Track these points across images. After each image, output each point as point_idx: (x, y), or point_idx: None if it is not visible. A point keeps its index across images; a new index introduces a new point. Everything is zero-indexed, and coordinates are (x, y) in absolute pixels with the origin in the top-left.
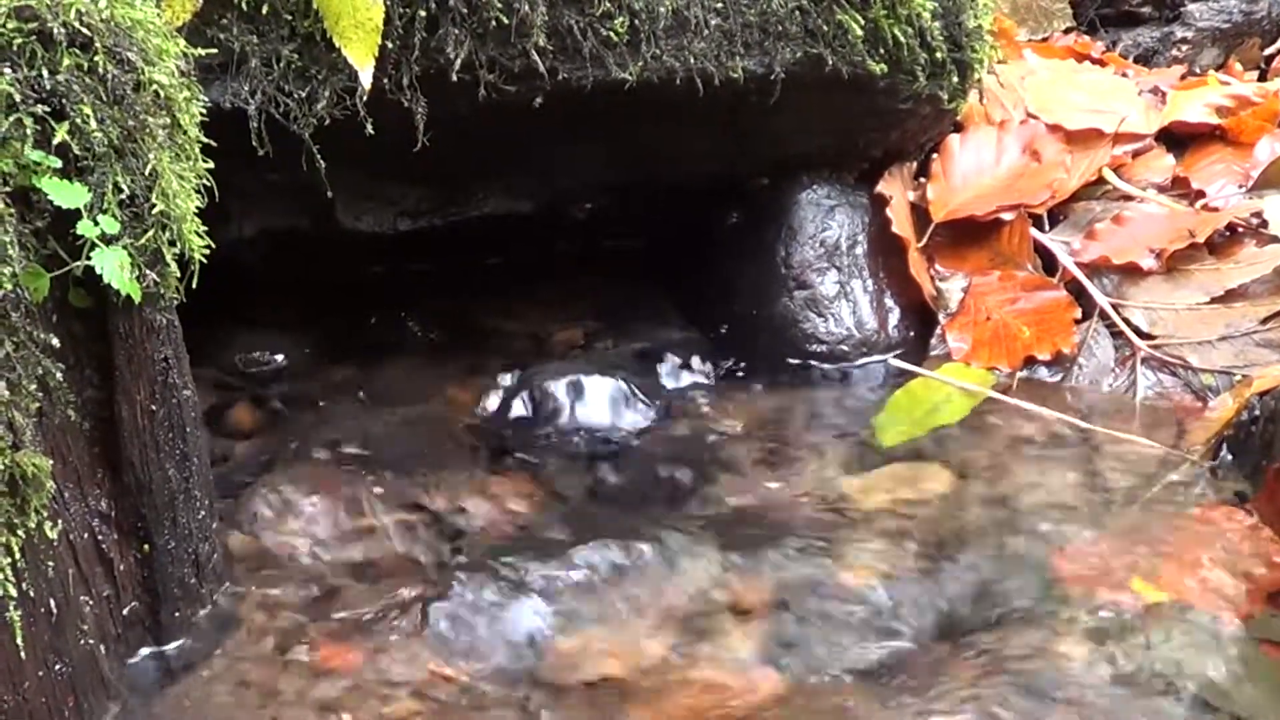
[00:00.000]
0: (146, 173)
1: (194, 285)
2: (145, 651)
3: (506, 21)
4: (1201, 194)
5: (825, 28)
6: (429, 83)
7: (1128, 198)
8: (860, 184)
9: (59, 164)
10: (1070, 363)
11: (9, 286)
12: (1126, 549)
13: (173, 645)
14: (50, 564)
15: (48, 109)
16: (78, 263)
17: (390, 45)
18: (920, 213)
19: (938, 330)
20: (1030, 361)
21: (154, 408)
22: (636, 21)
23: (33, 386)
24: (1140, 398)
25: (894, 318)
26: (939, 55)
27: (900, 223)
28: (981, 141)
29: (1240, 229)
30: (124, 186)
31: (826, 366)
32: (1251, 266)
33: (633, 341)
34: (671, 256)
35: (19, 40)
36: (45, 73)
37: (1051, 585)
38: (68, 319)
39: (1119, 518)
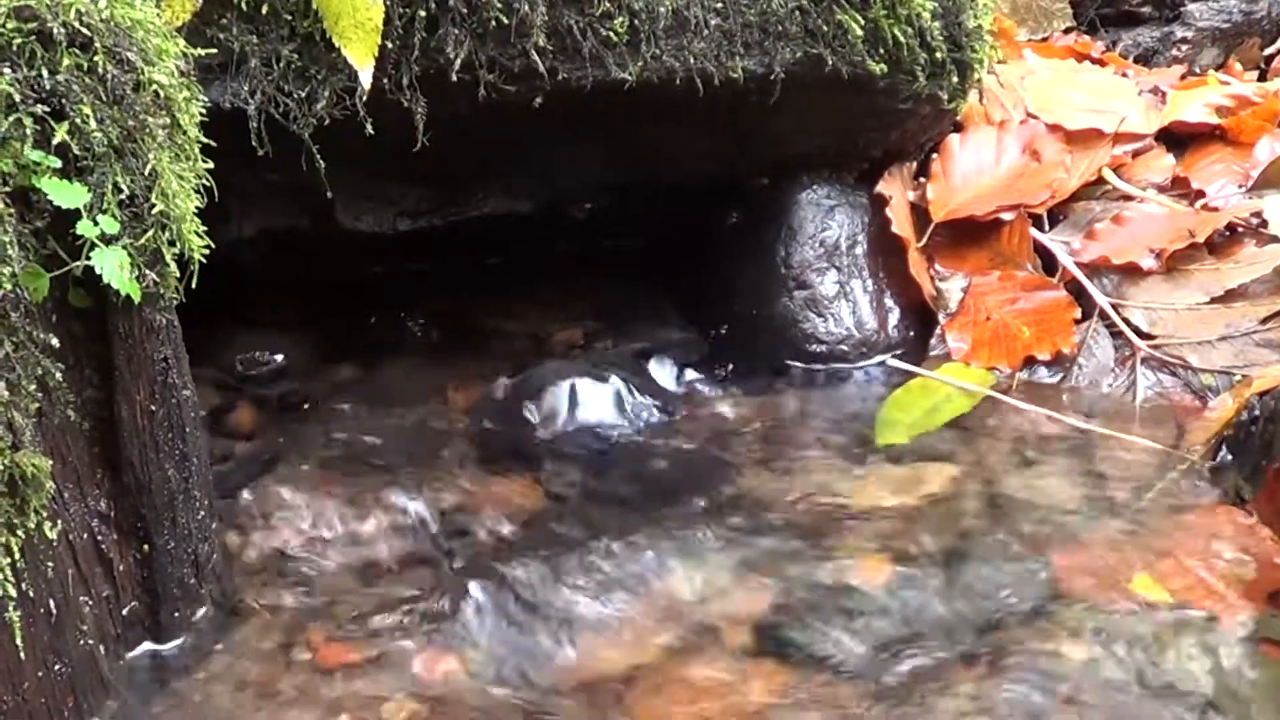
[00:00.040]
0: (146, 173)
1: (194, 285)
2: (145, 651)
3: (506, 21)
4: (1201, 194)
5: (825, 28)
6: (429, 83)
7: (1128, 198)
8: (860, 184)
9: (59, 164)
10: (1070, 363)
11: (9, 286)
12: (1126, 549)
13: (172, 645)
14: (50, 564)
15: (47, 109)
16: (77, 263)
17: (390, 45)
18: (920, 213)
19: (937, 330)
20: (1030, 361)
21: (153, 408)
22: (636, 21)
23: (32, 387)
24: (1140, 398)
25: (894, 318)
26: (939, 55)
27: (900, 223)
28: (981, 141)
29: (1240, 229)
30: (124, 186)
31: (826, 366)
32: (1251, 266)
33: (632, 341)
34: (671, 256)
35: (19, 40)
36: (45, 73)
37: (1051, 585)
38: (67, 319)
39: (1119, 518)
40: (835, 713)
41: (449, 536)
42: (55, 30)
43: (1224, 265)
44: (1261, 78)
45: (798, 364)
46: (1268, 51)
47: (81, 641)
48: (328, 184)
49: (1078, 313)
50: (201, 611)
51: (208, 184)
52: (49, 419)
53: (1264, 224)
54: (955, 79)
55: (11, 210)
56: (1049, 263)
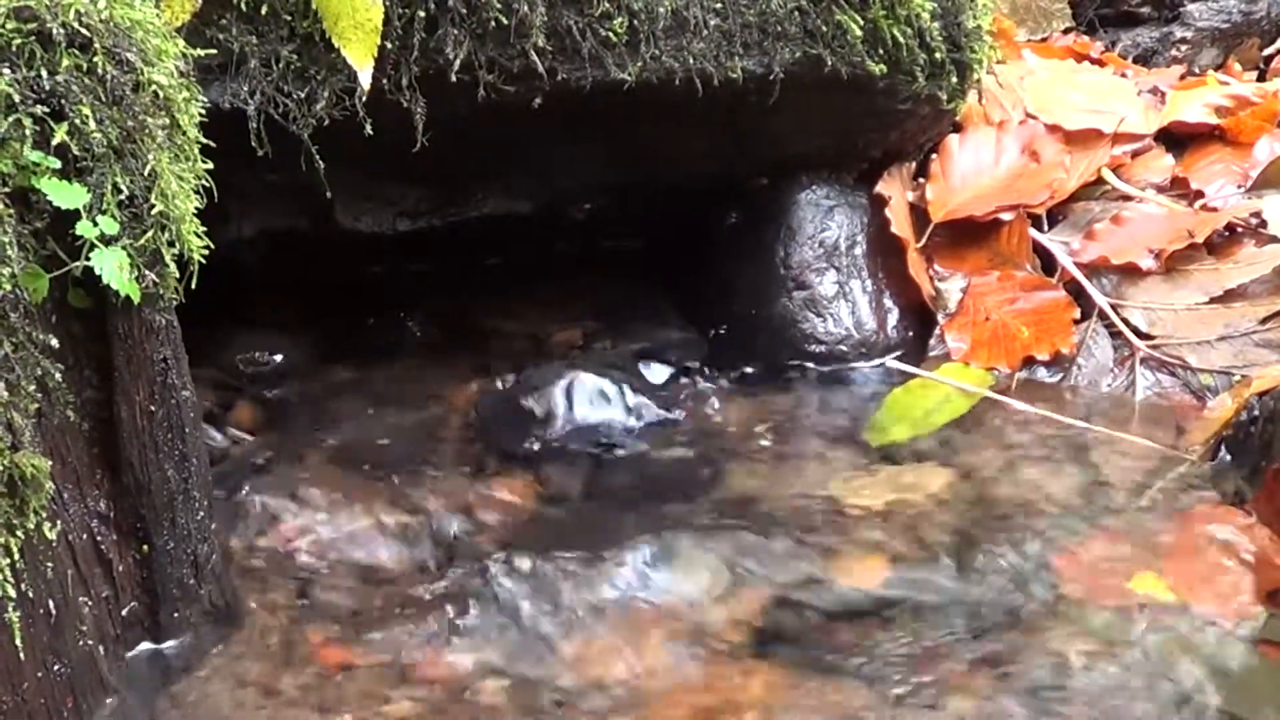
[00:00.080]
0: (145, 173)
1: (193, 285)
2: (144, 651)
3: (506, 22)
4: (1200, 194)
5: (824, 28)
6: (428, 83)
7: (1127, 198)
8: (859, 184)
9: (58, 164)
10: (1069, 363)
11: (8, 287)
12: (1126, 549)
13: (171, 645)
14: (49, 565)
15: (47, 109)
16: (77, 263)
17: (389, 46)
18: (919, 213)
19: (937, 330)
20: (1029, 362)
21: (153, 408)
22: (635, 22)
23: (32, 387)
24: (1139, 398)
25: (893, 318)
26: (938, 56)
27: (899, 223)
28: (980, 142)
29: (1239, 229)
30: (123, 187)
31: (825, 367)
32: (1251, 266)
33: (631, 342)
34: (670, 257)
35: (18, 41)
36: (44, 73)
37: (1051, 585)
38: (67, 319)
39: (1118, 518)
40: (835, 713)
41: (448, 536)
42: (55, 31)
43: (1223, 265)
44: (1261, 78)
45: (797, 364)
46: (1267, 52)
47: (81, 642)
48: (327, 184)
49: (1077, 313)
50: (201, 611)
51: (207, 184)
52: (48, 419)
53: (1263, 224)
54: (954, 79)
55: (11, 211)
56: (1048, 263)
